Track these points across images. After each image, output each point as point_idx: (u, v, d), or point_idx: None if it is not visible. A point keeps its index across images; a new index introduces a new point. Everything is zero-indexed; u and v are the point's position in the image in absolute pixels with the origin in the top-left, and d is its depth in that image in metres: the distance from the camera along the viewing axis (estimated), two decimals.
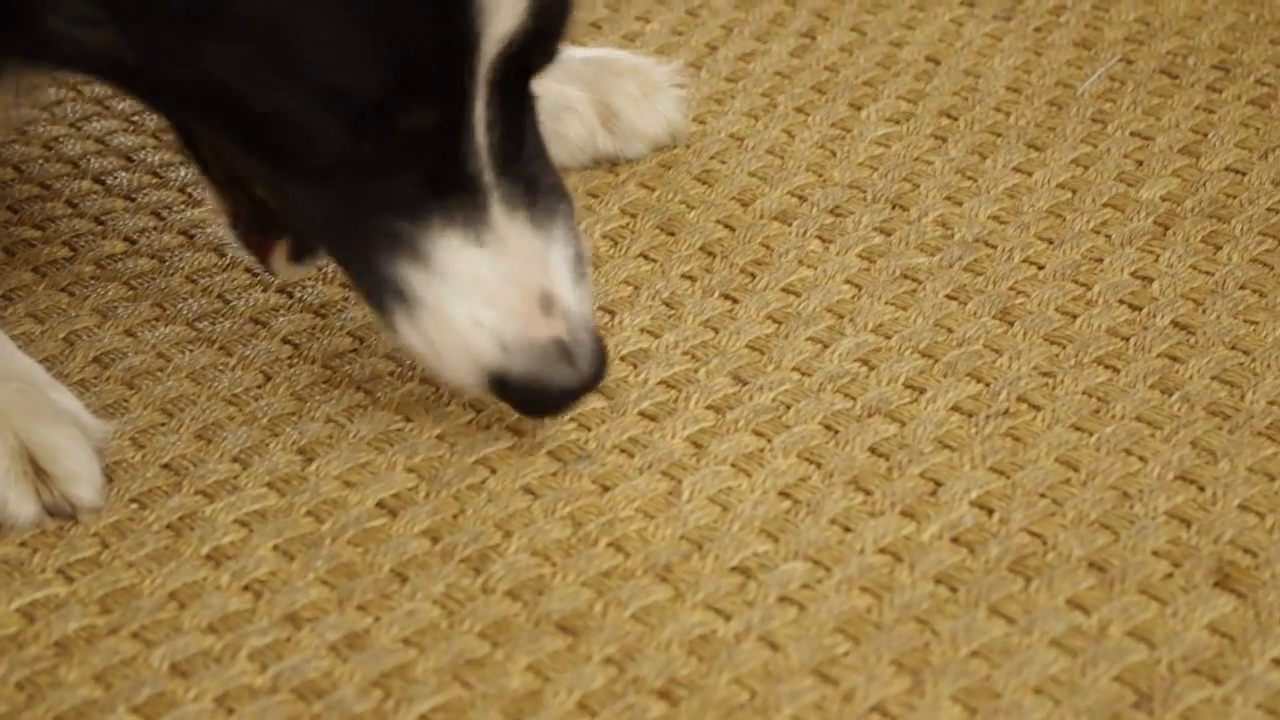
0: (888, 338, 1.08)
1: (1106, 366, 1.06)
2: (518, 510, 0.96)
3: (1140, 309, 1.10)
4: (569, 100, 1.23)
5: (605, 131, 1.23)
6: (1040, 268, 1.13)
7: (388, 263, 0.95)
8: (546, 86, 1.22)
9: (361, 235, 0.95)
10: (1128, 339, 1.08)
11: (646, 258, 1.15)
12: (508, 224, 0.94)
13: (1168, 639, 0.89)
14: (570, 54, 1.26)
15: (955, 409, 1.03)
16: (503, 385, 0.96)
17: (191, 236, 1.16)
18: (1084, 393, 1.04)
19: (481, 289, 0.94)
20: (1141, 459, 0.99)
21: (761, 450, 1.00)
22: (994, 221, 1.17)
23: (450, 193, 0.94)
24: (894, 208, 1.19)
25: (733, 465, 0.99)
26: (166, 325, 1.09)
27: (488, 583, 0.92)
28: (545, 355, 0.95)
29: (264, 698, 0.86)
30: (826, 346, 1.07)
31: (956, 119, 1.27)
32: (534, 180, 0.96)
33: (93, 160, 1.23)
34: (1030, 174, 1.22)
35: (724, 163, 1.23)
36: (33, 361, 1.01)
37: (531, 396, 0.96)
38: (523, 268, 0.95)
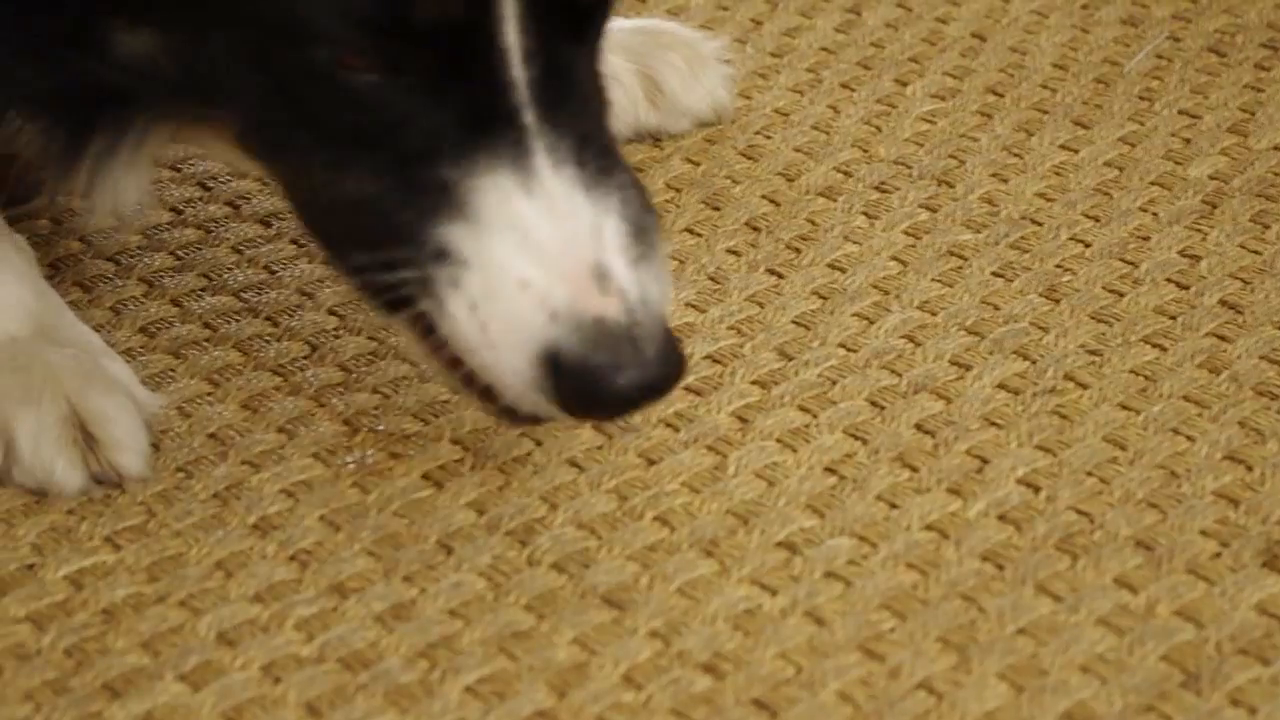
0: (934, 314, 1.08)
1: (1154, 345, 1.05)
2: (563, 483, 0.96)
3: (1188, 288, 1.09)
4: (613, 70, 1.21)
5: (649, 104, 1.23)
6: (1087, 246, 1.13)
7: (430, 225, 0.86)
8: None
9: (404, 198, 0.87)
10: (1175, 318, 1.07)
11: (692, 232, 1.15)
12: (554, 178, 0.86)
13: (1215, 619, 0.88)
14: (618, 24, 1.25)
15: (1001, 386, 1.02)
16: (556, 369, 0.85)
17: (238, 207, 1.16)
18: (1131, 371, 1.03)
19: (530, 242, 0.85)
20: (1189, 438, 0.99)
21: (807, 426, 1.00)
22: (1041, 199, 1.17)
23: (491, 130, 0.85)
24: (940, 184, 1.19)
25: (779, 441, 0.99)
26: (213, 295, 1.09)
27: (533, 555, 0.92)
28: (601, 334, 0.85)
29: (310, 667, 0.87)
30: (872, 323, 1.07)
31: (1003, 96, 1.27)
32: (587, 139, 0.86)
33: None
34: (1077, 151, 1.21)
35: (769, 138, 1.23)
36: (88, 329, 1.01)
37: (587, 385, 0.85)
38: (572, 232, 0.86)
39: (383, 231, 0.89)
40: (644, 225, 0.88)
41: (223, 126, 0.91)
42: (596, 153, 0.87)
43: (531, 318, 0.86)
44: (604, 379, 0.85)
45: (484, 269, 0.86)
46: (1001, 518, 0.94)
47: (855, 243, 1.13)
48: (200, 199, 1.17)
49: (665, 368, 0.86)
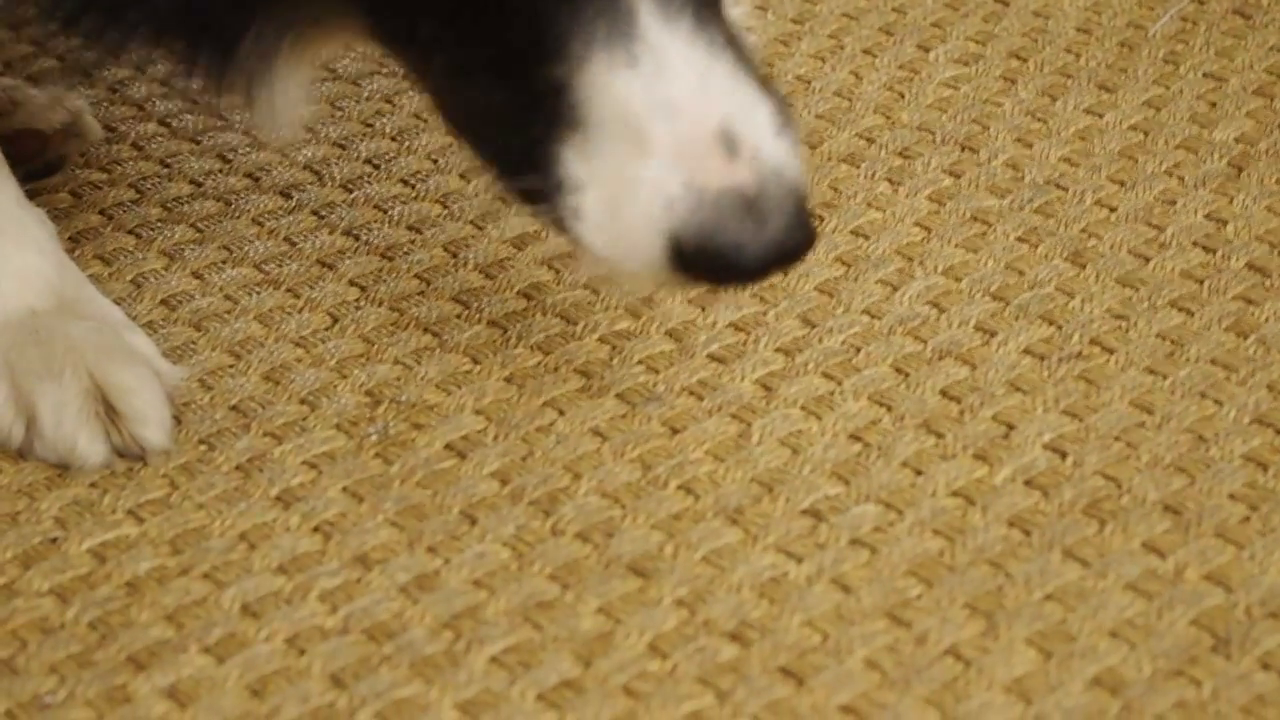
0: (958, 280, 1.07)
1: (1180, 309, 1.04)
2: (587, 453, 0.96)
3: (1214, 251, 1.09)
4: None
5: None
6: (1112, 210, 1.12)
7: (546, 134, 0.82)
8: None
9: (522, 101, 0.83)
10: (1202, 281, 1.06)
11: None
12: (662, 32, 0.78)
13: (1244, 583, 0.88)
14: None
15: (1027, 352, 1.02)
16: (680, 254, 0.81)
17: (257, 179, 1.16)
18: (1158, 336, 1.02)
19: (635, 123, 0.79)
20: (1217, 402, 0.98)
21: (831, 393, 0.99)
22: (1065, 164, 1.16)
23: (596, 15, 0.79)
24: (963, 150, 1.18)
25: (803, 408, 0.98)
26: (234, 268, 1.09)
27: (557, 525, 0.92)
28: (721, 207, 0.80)
29: (335, 638, 0.86)
30: (896, 289, 1.06)
31: (1026, 60, 1.26)
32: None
33: (158, 103, 1.23)
34: (1101, 116, 1.20)
35: (791, 105, 1.22)
36: (111, 303, 1.01)
37: (714, 267, 0.81)
38: (690, 91, 0.79)
39: (507, 137, 0.85)
40: (775, 92, 0.82)
41: (361, 25, 0.88)
42: (711, 9, 0.81)
43: (650, 213, 0.81)
44: (724, 252, 0.81)
45: (597, 181, 0.81)
46: (1028, 483, 0.94)
47: (878, 209, 1.13)
48: (220, 171, 1.17)
49: (792, 230, 0.82)
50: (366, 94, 1.24)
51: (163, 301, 1.06)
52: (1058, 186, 1.14)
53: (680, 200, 0.80)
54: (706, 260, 0.81)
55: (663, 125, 0.80)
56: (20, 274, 0.98)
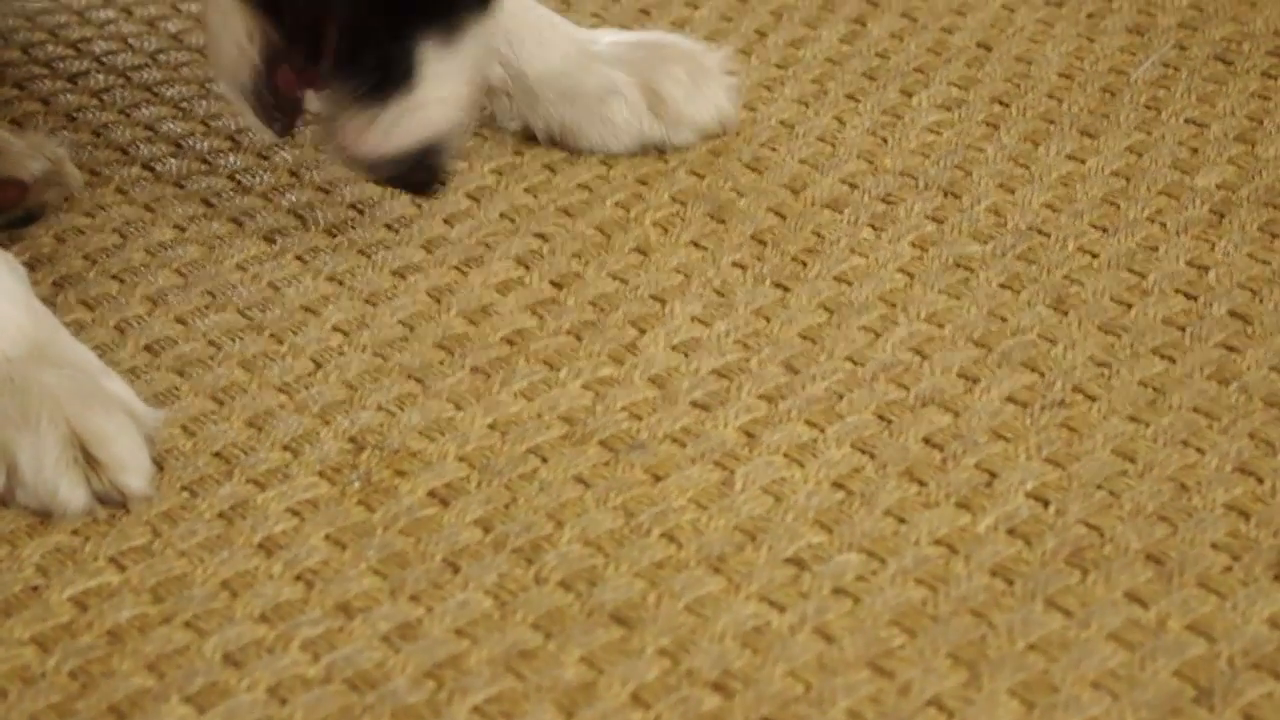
0: (941, 327, 1.07)
1: (1163, 357, 1.05)
2: (570, 500, 0.96)
3: (1196, 298, 1.09)
4: (615, 84, 1.22)
5: (652, 117, 1.22)
6: (1095, 256, 1.12)
7: None
8: (593, 69, 1.22)
9: None
10: (1184, 329, 1.07)
11: (697, 245, 1.14)
12: None
13: (1228, 633, 0.88)
14: (619, 38, 1.25)
15: (1010, 399, 1.02)
16: None
17: (241, 224, 1.16)
18: (1140, 383, 1.03)
19: None
20: (1199, 450, 0.98)
21: (814, 440, 0.99)
22: (1047, 209, 1.17)
23: None
24: (946, 195, 1.18)
25: (786, 455, 0.98)
26: (217, 313, 1.09)
27: (540, 573, 0.92)
28: None
29: (317, 688, 0.86)
30: (879, 335, 1.07)
31: (1009, 106, 1.27)
32: None
33: (142, 147, 1.23)
34: (1084, 161, 1.21)
35: (774, 150, 1.23)
36: (84, 348, 1.01)
37: None
38: None
39: None
40: None
41: None
42: None
43: None
44: None
45: None
46: (1011, 532, 0.94)
47: (862, 255, 1.13)
48: (204, 216, 1.17)
49: None
50: None
51: (146, 347, 1.06)
52: (1040, 232, 1.15)
53: None
54: None
55: None
56: None
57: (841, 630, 0.88)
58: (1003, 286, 1.10)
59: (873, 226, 1.15)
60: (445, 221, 1.16)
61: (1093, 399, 1.02)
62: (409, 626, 0.89)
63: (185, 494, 0.96)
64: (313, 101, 1.07)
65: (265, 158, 1.22)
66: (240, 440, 1.00)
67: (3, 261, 1.01)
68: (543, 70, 1.22)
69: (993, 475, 0.97)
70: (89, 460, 0.95)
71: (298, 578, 0.92)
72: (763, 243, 1.14)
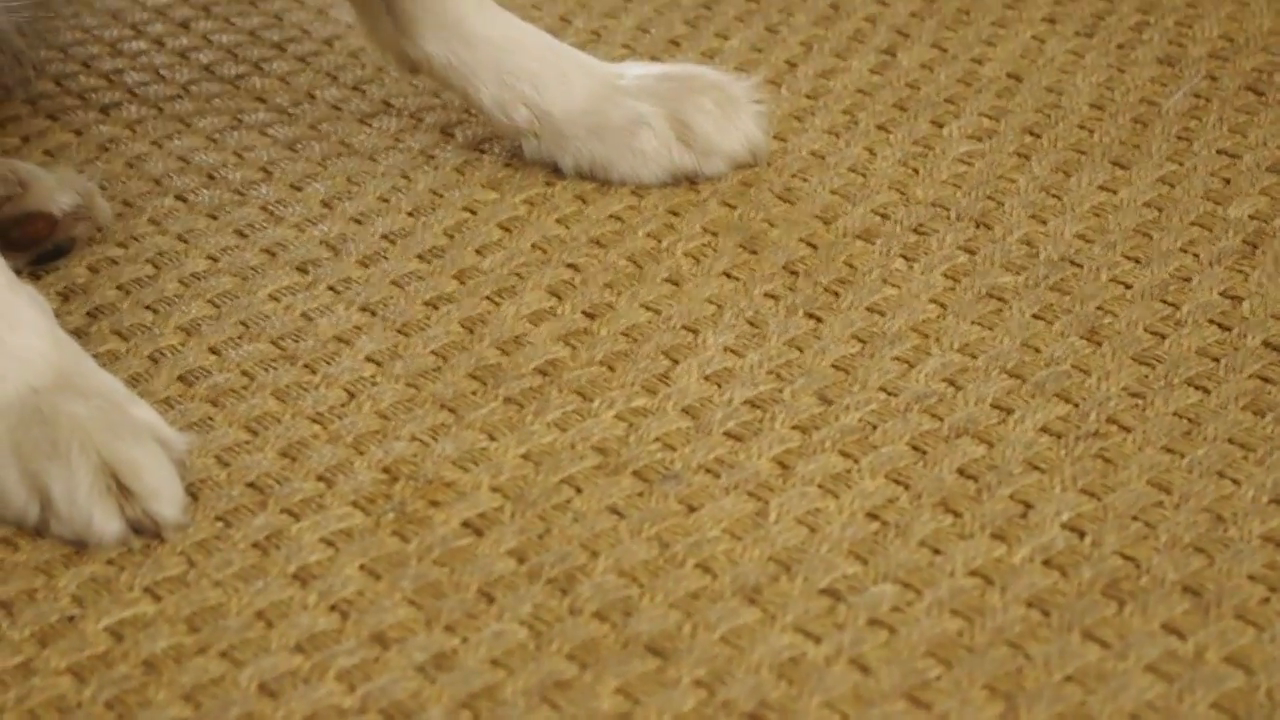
0: (974, 357, 1.07)
1: (1197, 388, 1.04)
2: (604, 530, 0.96)
3: (1230, 329, 1.09)
4: (643, 116, 1.22)
5: (682, 146, 1.22)
6: (1128, 287, 1.12)
7: None
8: (619, 103, 1.22)
9: None
10: (1218, 360, 1.06)
11: (729, 276, 1.14)
12: None
13: (1265, 665, 0.87)
14: (645, 70, 1.25)
15: (1044, 430, 1.02)
16: None
17: (274, 254, 1.16)
18: (1175, 414, 1.02)
19: None
20: (1235, 481, 0.98)
21: (849, 471, 0.99)
22: (1080, 240, 1.16)
23: None
24: (978, 226, 1.18)
25: (820, 486, 0.98)
26: (251, 343, 1.09)
27: (575, 603, 0.92)
28: None
29: (352, 718, 0.86)
30: (912, 366, 1.06)
31: (1040, 136, 1.27)
32: None
33: (175, 178, 1.24)
34: (1116, 192, 1.21)
35: (806, 180, 1.23)
36: (111, 377, 1.01)
37: None
38: None
39: None
40: None
41: None
42: None
43: None
44: None
45: None
46: (1046, 563, 0.93)
47: (894, 286, 1.13)
48: (237, 246, 1.17)
49: None
50: (383, 169, 1.24)
51: (180, 377, 1.06)
52: (1073, 263, 1.14)
53: None
54: None
55: None
56: (16, 355, 0.98)
57: (877, 661, 0.88)
58: (1035, 317, 1.10)
59: (905, 257, 1.15)
60: (477, 252, 1.16)
61: (1127, 430, 1.01)
62: (444, 657, 0.89)
63: (220, 524, 0.96)
64: None
65: (298, 189, 1.23)
66: (274, 470, 1.00)
67: (26, 295, 1.01)
68: (569, 108, 1.22)
69: (1028, 506, 0.97)
70: (121, 489, 0.95)
71: (332, 608, 0.92)
72: (795, 273, 1.14)
